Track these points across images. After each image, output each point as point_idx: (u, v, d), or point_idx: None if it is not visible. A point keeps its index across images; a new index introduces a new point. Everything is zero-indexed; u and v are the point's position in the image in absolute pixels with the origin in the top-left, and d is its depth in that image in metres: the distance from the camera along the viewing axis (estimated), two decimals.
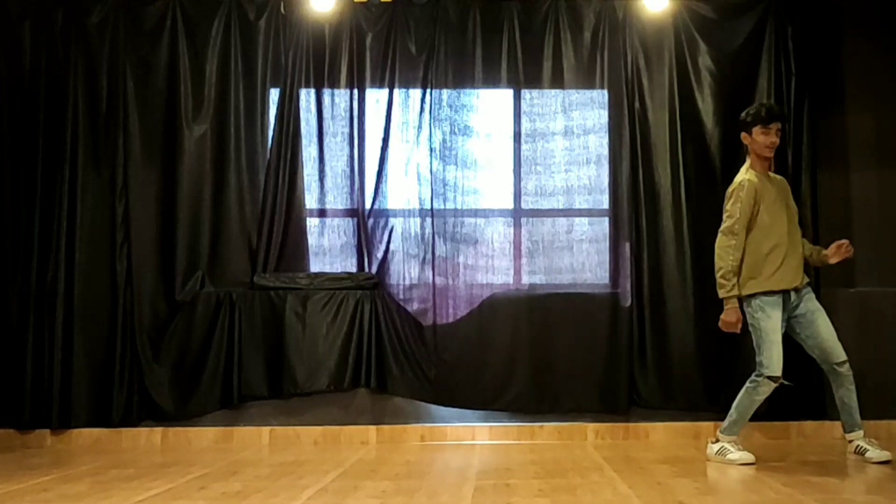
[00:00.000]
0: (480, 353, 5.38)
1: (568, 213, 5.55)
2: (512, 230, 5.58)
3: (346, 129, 5.60)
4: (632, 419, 5.34)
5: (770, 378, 4.41)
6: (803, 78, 5.48)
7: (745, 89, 5.52)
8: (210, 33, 5.56)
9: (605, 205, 5.55)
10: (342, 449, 5.08)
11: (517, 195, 5.60)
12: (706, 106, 5.54)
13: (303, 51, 5.57)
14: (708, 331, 5.36)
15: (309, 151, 5.58)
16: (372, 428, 5.35)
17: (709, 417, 5.32)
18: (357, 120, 5.59)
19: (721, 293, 4.48)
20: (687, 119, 5.50)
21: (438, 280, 5.45)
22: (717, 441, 4.54)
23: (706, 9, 5.58)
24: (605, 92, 5.60)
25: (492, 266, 5.51)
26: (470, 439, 5.31)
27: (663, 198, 5.46)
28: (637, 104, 5.53)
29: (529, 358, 5.37)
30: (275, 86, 5.59)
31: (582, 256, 5.50)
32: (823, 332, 4.50)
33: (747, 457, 4.40)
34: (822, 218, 5.43)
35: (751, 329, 4.53)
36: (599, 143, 5.58)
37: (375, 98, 5.62)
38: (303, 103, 5.59)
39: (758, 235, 4.47)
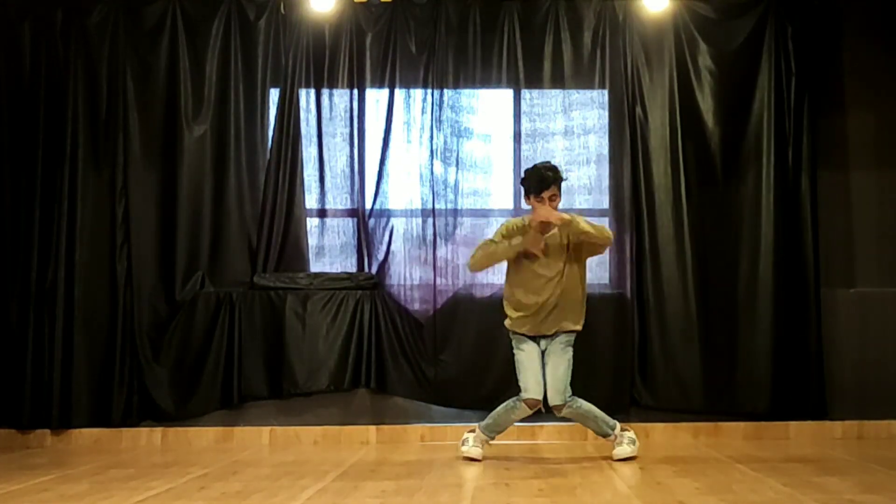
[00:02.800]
0: (480, 353, 5.38)
1: (568, 212, 5.54)
2: None
3: (346, 130, 5.60)
4: (632, 419, 5.33)
5: (525, 401, 4.48)
6: (803, 78, 5.48)
7: (745, 89, 5.52)
8: (210, 33, 5.55)
9: (606, 205, 5.54)
10: (342, 449, 5.08)
11: (517, 195, 5.59)
12: (706, 105, 5.54)
13: (303, 51, 5.57)
14: (708, 331, 5.38)
15: (309, 151, 5.58)
16: (372, 428, 5.35)
17: (709, 418, 5.33)
18: (357, 120, 5.59)
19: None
20: (687, 119, 5.50)
21: (439, 280, 5.45)
22: (473, 430, 4.64)
23: (706, 9, 5.58)
24: (605, 92, 5.60)
25: (492, 266, 5.49)
26: None
27: (663, 197, 5.46)
28: (637, 104, 5.53)
29: None
30: (275, 86, 5.59)
31: None
32: (548, 373, 4.50)
33: (475, 452, 4.54)
34: (822, 218, 5.43)
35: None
36: (599, 143, 5.58)
37: (375, 98, 5.62)
38: (303, 103, 5.58)
39: (518, 278, 4.58)
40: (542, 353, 4.57)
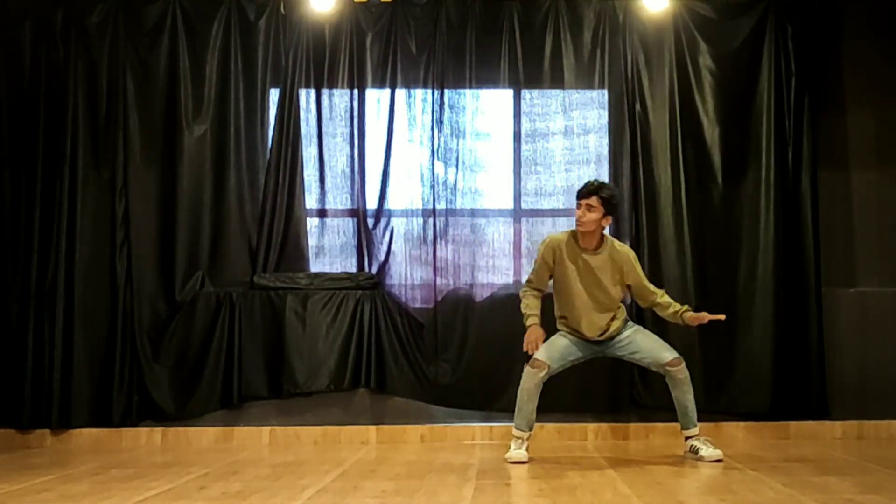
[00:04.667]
0: (480, 353, 5.38)
1: (568, 213, 5.53)
2: (512, 230, 5.58)
3: (347, 130, 5.60)
4: (632, 419, 5.34)
5: (531, 363, 4.56)
6: (803, 78, 5.48)
7: (745, 89, 5.52)
8: (210, 33, 5.55)
9: None
10: (342, 449, 5.08)
11: (517, 195, 5.60)
12: (706, 106, 5.54)
13: (303, 51, 5.57)
14: (707, 330, 5.35)
15: (309, 151, 5.58)
16: (372, 428, 5.35)
17: (709, 418, 5.32)
18: (357, 120, 5.59)
19: None
20: (687, 119, 5.50)
21: (439, 280, 5.45)
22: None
23: (706, 9, 5.58)
24: (605, 92, 5.60)
25: (492, 266, 5.51)
26: (470, 439, 5.31)
27: (663, 197, 5.46)
28: (637, 104, 5.53)
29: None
30: (275, 86, 5.59)
31: None
32: (644, 344, 4.61)
33: (518, 455, 4.49)
34: (822, 218, 5.43)
35: None
36: (599, 143, 5.58)
37: (376, 98, 5.62)
38: (303, 103, 5.58)
39: (560, 287, 4.66)
40: (594, 351, 4.66)
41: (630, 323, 4.73)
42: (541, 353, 4.56)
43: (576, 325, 4.63)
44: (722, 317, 4.59)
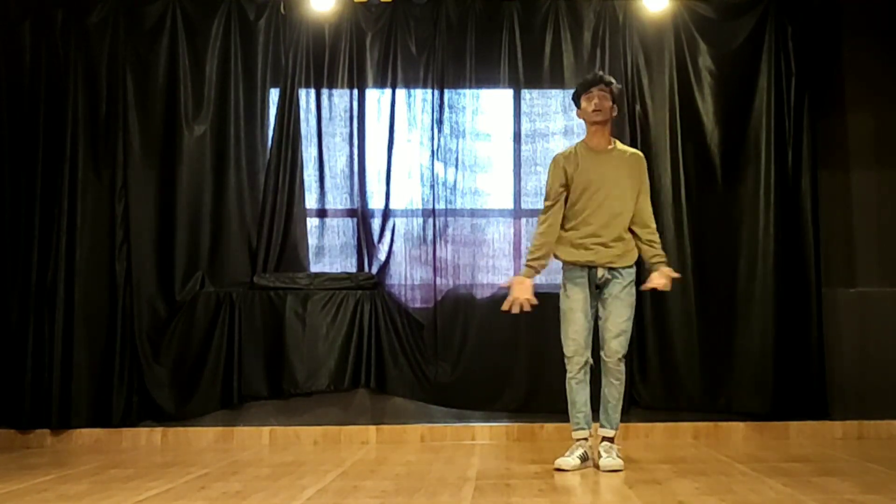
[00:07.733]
0: (480, 353, 5.38)
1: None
2: (512, 230, 5.58)
3: (346, 130, 5.60)
4: (632, 419, 5.34)
5: (568, 357, 4.26)
6: (803, 78, 5.48)
7: (745, 89, 5.52)
8: (210, 33, 5.56)
9: None
10: (342, 449, 5.08)
11: (517, 195, 5.60)
12: (706, 106, 5.54)
13: (303, 51, 5.57)
14: (708, 330, 5.38)
15: (309, 151, 5.59)
16: (372, 428, 5.35)
17: (709, 417, 5.33)
18: (357, 120, 5.59)
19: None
20: (687, 119, 5.50)
21: (439, 280, 5.45)
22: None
23: (706, 9, 5.58)
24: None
25: (492, 266, 5.51)
26: (470, 439, 5.31)
27: (663, 197, 5.45)
28: (637, 104, 5.53)
29: (529, 358, 5.36)
30: (275, 86, 5.59)
31: None
32: (613, 317, 4.22)
33: (566, 462, 4.20)
34: (822, 218, 5.43)
35: None
36: None
37: (376, 98, 5.62)
38: (303, 103, 5.59)
39: (572, 205, 4.30)
40: (597, 292, 4.27)
41: (630, 275, 4.27)
42: (568, 347, 4.25)
43: (586, 250, 4.23)
44: (677, 275, 4.28)
